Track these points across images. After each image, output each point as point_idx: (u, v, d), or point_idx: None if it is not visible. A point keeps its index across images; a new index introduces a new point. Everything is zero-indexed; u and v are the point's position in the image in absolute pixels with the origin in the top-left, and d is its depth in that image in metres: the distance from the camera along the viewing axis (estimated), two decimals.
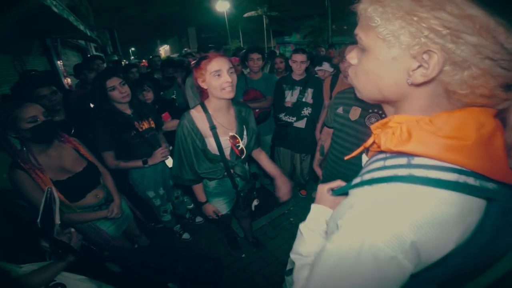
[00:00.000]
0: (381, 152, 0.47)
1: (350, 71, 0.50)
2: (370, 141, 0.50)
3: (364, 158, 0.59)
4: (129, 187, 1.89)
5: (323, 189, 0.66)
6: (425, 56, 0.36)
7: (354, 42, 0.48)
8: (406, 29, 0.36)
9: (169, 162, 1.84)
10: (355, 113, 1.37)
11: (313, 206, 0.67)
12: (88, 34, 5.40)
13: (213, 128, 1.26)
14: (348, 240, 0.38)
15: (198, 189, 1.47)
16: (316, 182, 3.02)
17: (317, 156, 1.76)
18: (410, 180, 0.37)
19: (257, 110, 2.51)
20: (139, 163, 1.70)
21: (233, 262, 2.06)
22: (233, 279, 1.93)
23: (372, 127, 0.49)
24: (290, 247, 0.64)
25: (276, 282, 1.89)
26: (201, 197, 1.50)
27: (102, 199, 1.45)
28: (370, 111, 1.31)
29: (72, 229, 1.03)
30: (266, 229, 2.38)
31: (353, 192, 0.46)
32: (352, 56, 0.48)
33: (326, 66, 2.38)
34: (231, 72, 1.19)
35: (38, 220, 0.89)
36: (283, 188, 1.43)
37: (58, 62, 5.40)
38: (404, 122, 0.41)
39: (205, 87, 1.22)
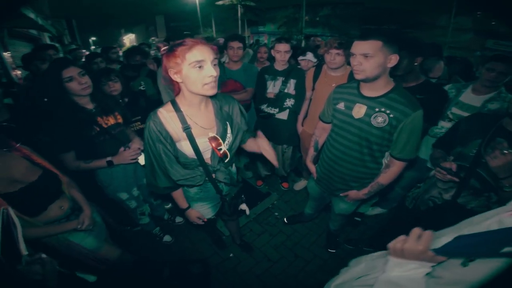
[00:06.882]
0: None
1: None
2: None
3: None
4: (98, 189, 1.70)
5: (416, 247, 0.63)
6: None
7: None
8: None
9: (142, 159, 1.63)
10: (359, 111, 1.28)
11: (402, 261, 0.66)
12: (40, 23, 4.81)
13: (186, 128, 1.05)
14: None
15: (177, 195, 1.30)
16: (297, 174, 3.02)
17: (311, 151, 1.67)
18: None
19: None
20: (102, 163, 1.53)
21: (221, 262, 1.97)
22: (223, 280, 1.85)
23: None
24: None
25: (268, 280, 1.85)
26: (182, 203, 1.33)
27: (68, 209, 1.27)
28: (377, 109, 1.22)
29: (43, 255, 0.83)
30: (251, 225, 2.32)
31: None
32: None
33: (309, 56, 2.29)
34: (215, 64, 0.97)
35: None
36: (270, 155, 1.23)
37: (5, 53, 5.03)
38: None
39: (179, 80, 0.99)
